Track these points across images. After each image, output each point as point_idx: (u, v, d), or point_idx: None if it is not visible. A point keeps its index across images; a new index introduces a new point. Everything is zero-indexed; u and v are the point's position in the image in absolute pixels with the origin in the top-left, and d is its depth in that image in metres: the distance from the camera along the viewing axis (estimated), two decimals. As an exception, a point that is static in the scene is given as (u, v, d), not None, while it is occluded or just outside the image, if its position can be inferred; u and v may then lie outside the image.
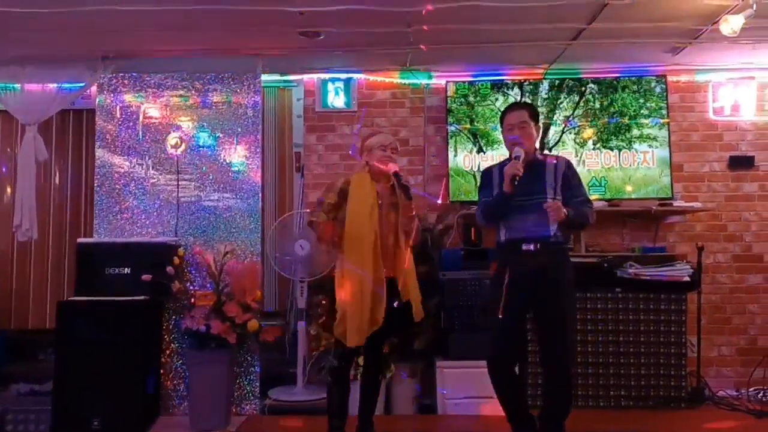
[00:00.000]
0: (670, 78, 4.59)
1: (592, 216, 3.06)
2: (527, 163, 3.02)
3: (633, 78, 4.55)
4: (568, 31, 3.96)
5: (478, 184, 3.34)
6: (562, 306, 3.00)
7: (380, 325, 2.93)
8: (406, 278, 3.03)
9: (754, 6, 3.35)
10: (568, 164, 3.14)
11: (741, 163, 4.68)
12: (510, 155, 3.06)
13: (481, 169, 3.46)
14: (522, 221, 3.00)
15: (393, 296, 2.98)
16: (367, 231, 2.95)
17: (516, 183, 2.92)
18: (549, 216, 2.91)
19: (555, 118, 4.52)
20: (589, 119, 4.54)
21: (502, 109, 3.34)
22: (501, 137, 4.42)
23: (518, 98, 4.50)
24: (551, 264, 2.99)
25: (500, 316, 2.98)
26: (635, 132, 4.50)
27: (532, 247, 2.99)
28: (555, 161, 3.11)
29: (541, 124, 3.24)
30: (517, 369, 3.30)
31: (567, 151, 4.46)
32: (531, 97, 4.52)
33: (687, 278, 4.08)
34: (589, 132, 4.54)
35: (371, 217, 2.97)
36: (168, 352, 4.08)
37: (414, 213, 3.08)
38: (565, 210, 2.90)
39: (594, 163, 4.50)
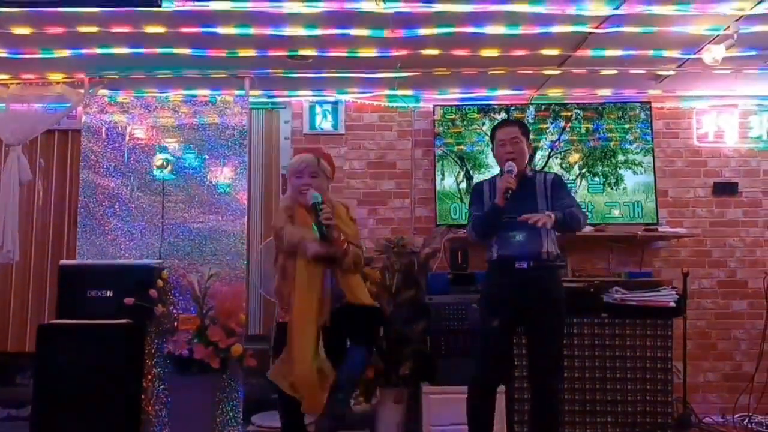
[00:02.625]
0: (654, 105, 4.65)
1: (583, 220, 3.01)
2: (518, 179, 2.98)
3: (618, 104, 4.61)
4: (553, 59, 4.00)
5: (469, 199, 3.29)
6: (554, 324, 3.00)
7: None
8: (352, 288, 2.70)
9: (735, 36, 3.44)
10: (558, 177, 3.16)
11: (725, 189, 4.73)
12: (501, 170, 3.04)
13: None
14: (514, 238, 2.98)
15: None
16: (301, 276, 2.62)
17: (508, 196, 2.89)
18: (539, 227, 2.81)
19: (541, 143, 4.56)
20: (575, 144, 4.58)
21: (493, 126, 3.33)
22: (488, 161, 4.56)
23: (505, 122, 4.55)
24: (544, 282, 2.99)
25: (488, 336, 2.98)
26: (620, 158, 4.55)
27: (525, 264, 2.97)
28: (544, 176, 3.12)
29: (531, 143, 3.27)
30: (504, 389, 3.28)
31: (553, 176, 4.49)
32: (518, 122, 4.56)
33: (672, 304, 4.08)
34: (575, 156, 4.58)
35: (304, 257, 2.62)
36: (150, 376, 4.00)
37: (345, 246, 2.63)
38: (550, 213, 2.82)
39: (580, 188, 4.53)
